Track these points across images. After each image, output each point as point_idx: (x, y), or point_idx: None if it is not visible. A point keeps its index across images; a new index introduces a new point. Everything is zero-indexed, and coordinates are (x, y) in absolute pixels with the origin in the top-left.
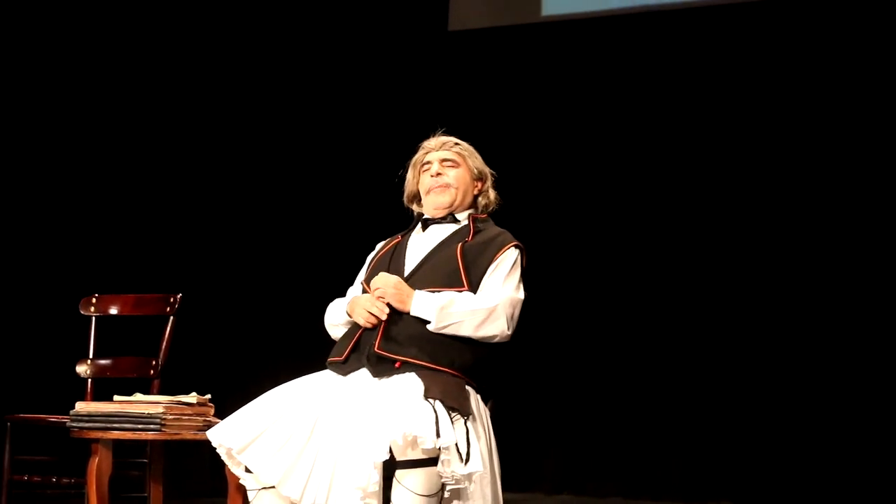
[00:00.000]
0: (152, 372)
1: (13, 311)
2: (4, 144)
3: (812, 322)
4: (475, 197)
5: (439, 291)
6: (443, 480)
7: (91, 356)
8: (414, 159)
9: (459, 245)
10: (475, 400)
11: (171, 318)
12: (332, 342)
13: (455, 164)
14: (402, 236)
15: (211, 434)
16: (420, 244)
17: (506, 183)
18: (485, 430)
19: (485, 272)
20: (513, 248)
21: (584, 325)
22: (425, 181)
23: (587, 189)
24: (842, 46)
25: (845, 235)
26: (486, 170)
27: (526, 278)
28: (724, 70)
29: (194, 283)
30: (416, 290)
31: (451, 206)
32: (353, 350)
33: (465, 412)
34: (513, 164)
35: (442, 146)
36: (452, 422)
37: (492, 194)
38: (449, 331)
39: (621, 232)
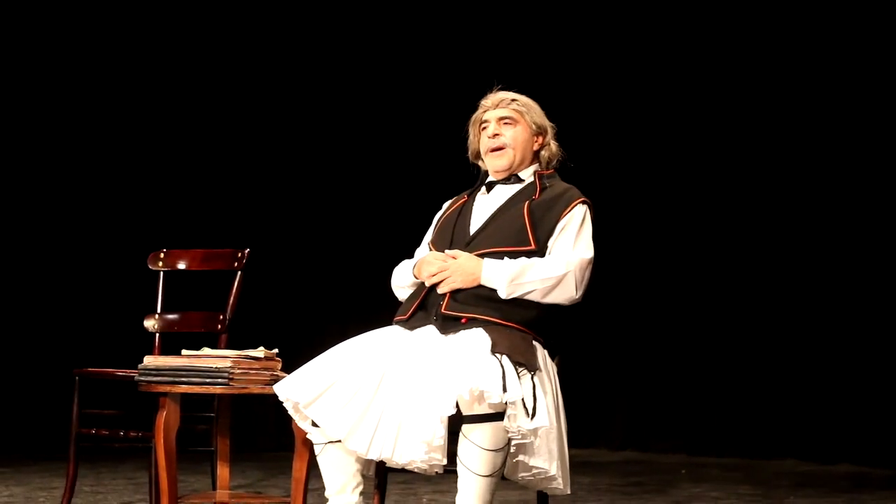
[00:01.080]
0: (220, 326)
1: (83, 266)
2: (76, 104)
3: (874, 289)
4: (536, 152)
5: (507, 251)
6: (509, 435)
7: (159, 311)
8: (473, 117)
9: (526, 203)
10: (542, 355)
11: (239, 272)
12: (399, 303)
13: (513, 122)
14: (468, 195)
15: (278, 388)
16: (485, 205)
17: (574, 138)
18: (552, 386)
19: (552, 229)
20: (580, 205)
21: (653, 284)
22: (484, 141)
23: (660, 149)
24: (856, 41)
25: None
26: (547, 123)
27: (595, 235)
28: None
29: (263, 237)
30: (485, 260)
31: (510, 167)
32: (420, 308)
33: (532, 367)
34: (580, 118)
35: (499, 104)
36: (519, 377)
37: (554, 146)
38: (517, 297)
39: (693, 198)
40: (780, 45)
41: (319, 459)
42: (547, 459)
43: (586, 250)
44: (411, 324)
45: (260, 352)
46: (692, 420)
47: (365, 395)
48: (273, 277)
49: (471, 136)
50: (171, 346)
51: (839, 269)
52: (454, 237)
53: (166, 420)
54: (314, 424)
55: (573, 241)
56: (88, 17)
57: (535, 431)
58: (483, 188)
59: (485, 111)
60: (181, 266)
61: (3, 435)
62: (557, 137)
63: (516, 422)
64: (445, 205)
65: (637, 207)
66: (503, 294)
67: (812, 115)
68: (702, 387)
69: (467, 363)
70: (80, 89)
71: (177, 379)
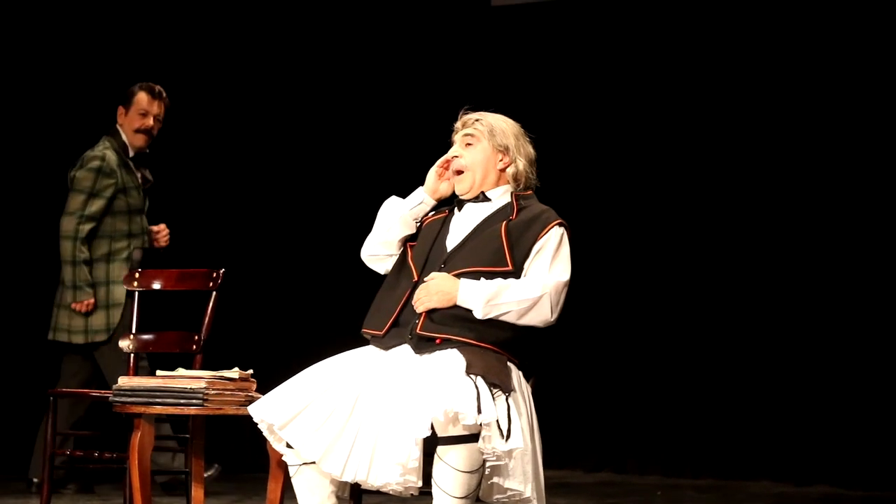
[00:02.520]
0: (195, 347)
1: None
2: (49, 118)
3: (852, 306)
4: (502, 170)
5: (484, 272)
6: (483, 456)
7: (134, 331)
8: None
9: (503, 224)
10: (517, 376)
11: (214, 293)
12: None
13: (474, 141)
14: (448, 211)
15: (252, 409)
16: (461, 223)
17: (550, 159)
18: (527, 407)
19: (529, 251)
20: (557, 227)
21: (628, 305)
22: (449, 156)
23: (634, 166)
24: (849, 38)
25: (875, 220)
26: (513, 143)
27: (572, 257)
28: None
29: (237, 258)
30: (461, 280)
31: (472, 187)
32: (394, 325)
33: (507, 388)
34: (558, 140)
35: (465, 123)
36: (494, 398)
37: (521, 164)
38: (493, 318)
39: (665, 213)
40: (776, 45)
41: (294, 481)
42: (522, 482)
43: (563, 272)
44: (385, 343)
45: (235, 372)
46: (668, 441)
47: (340, 417)
48: (248, 298)
49: None
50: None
51: (812, 292)
52: (430, 255)
53: (141, 441)
54: (289, 446)
55: (549, 263)
56: (58, 31)
57: (509, 453)
58: (456, 209)
59: (455, 133)
60: (156, 286)
61: None
62: (537, 162)
63: (491, 443)
64: (430, 214)
65: (611, 231)
66: (479, 314)
67: (807, 117)
68: (677, 408)
69: (441, 384)
70: (63, 103)
71: (151, 400)
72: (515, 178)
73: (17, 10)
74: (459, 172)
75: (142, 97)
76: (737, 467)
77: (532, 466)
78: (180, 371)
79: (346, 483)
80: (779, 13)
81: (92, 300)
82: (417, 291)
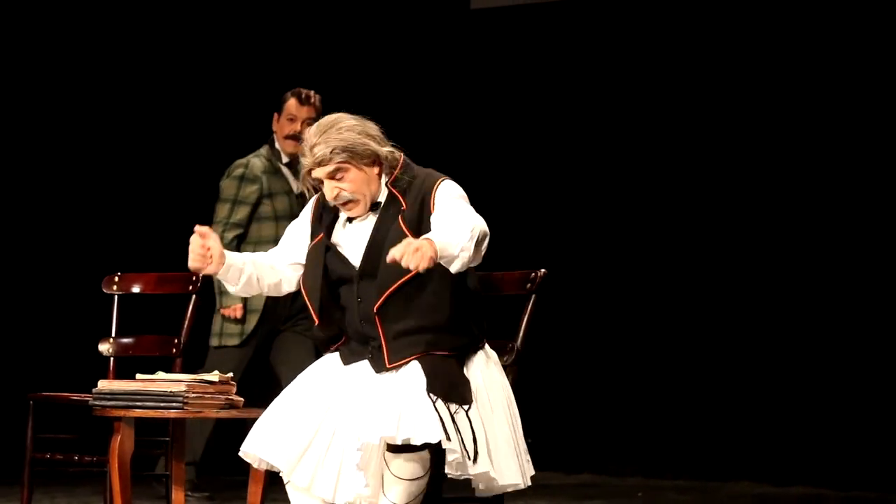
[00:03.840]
0: (175, 350)
1: (36, 289)
2: (28, 124)
3: (831, 307)
4: (380, 174)
5: (407, 278)
6: (450, 476)
7: (113, 335)
8: (303, 171)
9: (399, 218)
10: (483, 357)
11: (194, 296)
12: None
13: (344, 172)
14: (325, 225)
15: (247, 451)
16: (352, 234)
17: (529, 163)
18: (500, 380)
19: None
20: (442, 185)
21: (609, 306)
22: (327, 195)
23: (625, 166)
24: (846, 37)
25: (870, 221)
26: (372, 146)
27: (549, 263)
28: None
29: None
30: (427, 238)
31: (367, 208)
32: (349, 341)
33: (467, 401)
34: (541, 143)
35: (320, 163)
36: (455, 420)
37: (385, 151)
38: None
39: (644, 213)
40: (776, 42)
41: (288, 488)
42: (518, 474)
43: (464, 206)
44: (346, 357)
45: (214, 376)
46: (648, 442)
47: (309, 436)
48: None
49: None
50: (125, 370)
51: (793, 294)
52: (331, 273)
53: (121, 444)
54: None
55: (450, 211)
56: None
57: (480, 475)
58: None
59: (310, 169)
60: (136, 290)
61: None
62: (387, 135)
63: (457, 471)
64: (311, 212)
65: (596, 233)
66: (457, 265)
67: (808, 116)
68: (658, 409)
69: (401, 408)
70: (34, 112)
71: (131, 403)
72: (389, 166)
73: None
74: (347, 203)
75: (291, 103)
76: (717, 468)
77: (511, 442)
78: (160, 374)
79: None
80: (778, 11)
81: (239, 305)
82: (394, 252)
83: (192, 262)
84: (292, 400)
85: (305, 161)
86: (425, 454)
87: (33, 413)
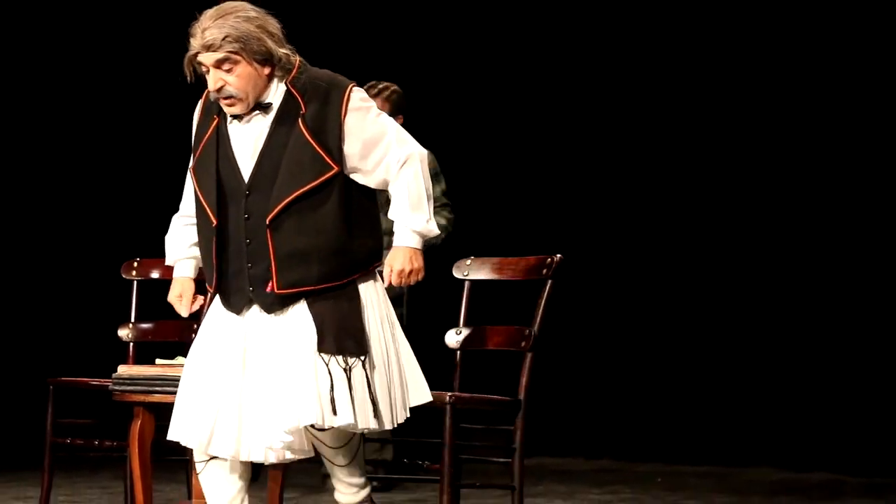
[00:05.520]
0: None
1: (56, 275)
2: (49, 112)
3: (852, 292)
4: (270, 76)
5: (312, 188)
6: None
7: (133, 320)
8: (187, 56)
9: (299, 122)
10: (373, 289)
11: None
12: None
13: (232, 65)
14: (217, 116)
15: (174, 436)
16: (244, 136)
17: (546, 148)
18: (379, 311)
19: (340, 134)
20: (354, 93)
21: (628, 292)
22: (210, 85)
23: (632, 154)
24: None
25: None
26: (267, 43)
27: (565, 248)
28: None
29: None
30: (402, 240)
31: (247, 109)
32: (221, 278)
33: (364, 351)
34: (554, 128)
35: (209, 47)
36: (351, 371)
37: (282, 53)
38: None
39: (663, 197)
40: (776, 41)
41: (201, 477)
42: (389, 419)
43: (384, 122)
44: (231, 303)
45: None
46: (668, 428)
47: (215, 409)
48: None
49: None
50: (145, 355)
51: (812, 279)
52: (224, 185)
53: (141, 429)
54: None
55: (376, 124)
56: (58, 27)
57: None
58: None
59: (196, 52)
60: (154, 275)
61: None
62: (288, 37)
63: (357, 426)
64: (195, 120)
65: (619, 215)
66: (429, 227)
67: (811, 111)
68: (677, 395)
69: (291, 393)
70: (55, 99)
71: (151, 388)
72: (285, 66)
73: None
74: (229, 98)
75: None
76: (737, 454)
77: (384, 380)
78: (179, 359)
79: (248, 472)
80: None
81: None
82: (390, 277)
83: (185, 314)
84: (193, 377)
85: (194, 42)
86: (361, 456)
87: (53, 398)
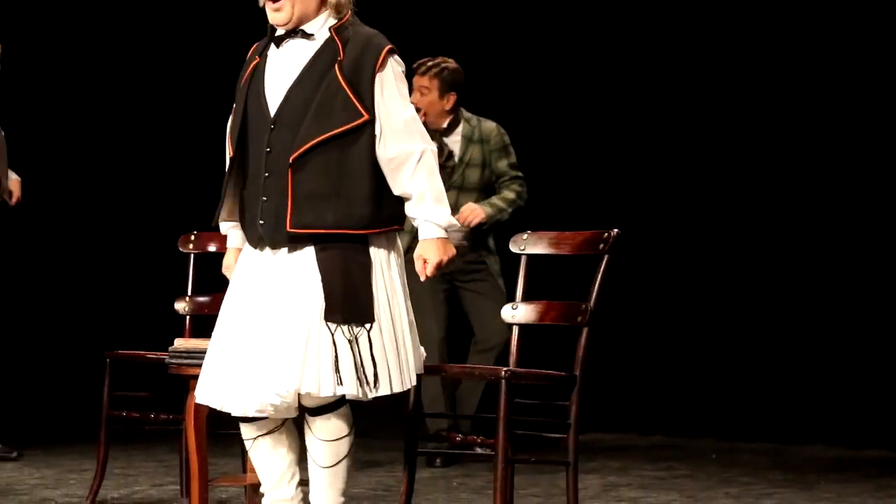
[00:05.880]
0: None
1: (113, 248)
2: (105, 85)
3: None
4: (320, 7)
5: (340, 132)
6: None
7: (189, 293)
8: None
9: (336, 68)
10: (385, 252)
11: None
12: None
13: None
14: (259, 57)
15: (201, 400)
16: (279, 69)
17: (604, 124)
18: (389, 278)
19: (372, 87)
20: (392, 60)
21: (681, 268)
22: None
23: (688, 129)
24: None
25: None
26: None
27: (623, 223)
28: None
29: None
30: (431, 233)
31: (289, 20)
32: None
33: (369, 318)
34: (611, 104)
35: None
36: (357, 340)
37: None
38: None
39: (720, 171)
40: (780, 37)
41: (251, 454)
42: (399, 382)
43: (410, 106)
44: (249, 239)
45: None
46: (722, 404)
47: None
48: None
49: None
50: (201, 328)
51: (868, 255)
52: (249, 119)
53: (197, 403)
54: (245, 420)
55: (398, 101)
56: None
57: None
58: (272, 45)
59: None
60: (212, 248)
61: (34, 418)
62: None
63: (360, 396)
64: (247, 60)
65: (678, 188)
66: (453, 221)
67: (819, 101)
68: (732, 371)
69: (294, 357)
70: (110, 72)
71: None
72: (337, 8)
73: None
74: (276, 1)
75: (415, 78)
76: (791, 431)
77: (391, 347)
78: None
79: (296, 453)
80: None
81: None
82: (425, 270)
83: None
84: (217, 339)
85: None
86: (347, 410)
87: (110, 371)
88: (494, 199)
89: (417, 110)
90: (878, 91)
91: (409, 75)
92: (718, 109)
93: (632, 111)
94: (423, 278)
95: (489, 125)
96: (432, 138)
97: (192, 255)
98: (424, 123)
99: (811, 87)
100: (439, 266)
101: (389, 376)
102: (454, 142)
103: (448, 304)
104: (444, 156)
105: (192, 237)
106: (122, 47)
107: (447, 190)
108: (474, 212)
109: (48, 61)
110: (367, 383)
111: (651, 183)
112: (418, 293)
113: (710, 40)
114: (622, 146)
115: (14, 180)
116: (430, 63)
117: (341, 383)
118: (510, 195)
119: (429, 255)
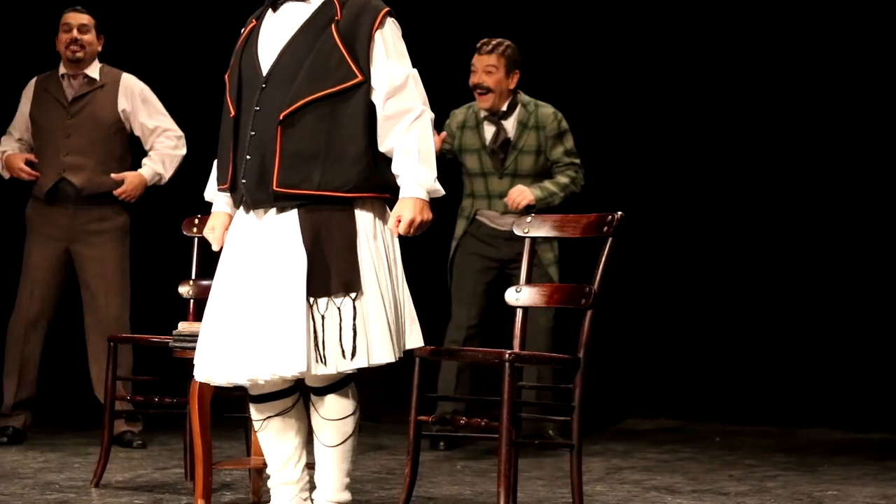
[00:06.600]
0: None
1: None
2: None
3: None
4: None
5: (333, 92)
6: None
7: (193, 277)
8: None
9: (332, 27)
10: (371, 218)
11: None
12: None
13: None
14: (255, 19)
15: (199, 376)
16: (274, 30)
17: (609, 108)
18: (384, 252)
19: (369, 49)
20: (388, 23)
21: (685, 251)
22: None
23: (694, 112)
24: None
25: None
26: None
27: (626, 206)
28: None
29: None
30: (410, 197)
31: None
32: (234, 176)
33: (355, 288)
34: (618, 89)
35: None
36: (341, 312)
37: None
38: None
39: (727, 154)
40: (784, 26)
41: (260, 435)
42: (390, 352)
43: (409, 65)
44: (235, 201)
45: None
46: (726, 387)
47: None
48: None
49: None
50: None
51: (869, 237)
52: (243, 78)
53: (201, 386)
54: (256, 400)
55: (395, 60)
56: None
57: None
58: (269, 10)
59: None
60: None
61: (38, 401)
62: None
63: (336, 368)
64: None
65: (682, 171)
66: (437, 187)
67: (825, 91)
68: (736, 354)
69: (279, 337)
70: (111, 53)
71: None
72: None
73: None
74: None
75: (475, 57)
76: (795, 414)
77: (395, 325)
78: None
79: (303, 437)
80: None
81: None
82: (397, 227)
83: (216, 247)
84: (208, 314)
85: None
86: (352, 389)
87: (113, 355)
88: (546, 183)
89: (487, 90)
90: (883, 84)
91: (462, 56)
92: (724, 93)
93: (637, 95)
94: (394, 236)
95: (546, 111)
96: (490, 122)
97: (196, 239)
98: (489, 107)
99: (818, 75)
100: (412, 225)
101: (368, 348)
102: (510, 126)
103: (488, 296)
104: (500, 141)
105: (196, 220)
106: (126, 29)
107: (500, 177)
108: (522, 193)
109: (50, 38)
110: (345, 355)
111: (655, 166)
112: (459, 281)
113: (717, 30)
114: (627, 129)
115: None
116: (494, 42)
117: (324, 362)
118: (563, 179)
119: (404, 213)
